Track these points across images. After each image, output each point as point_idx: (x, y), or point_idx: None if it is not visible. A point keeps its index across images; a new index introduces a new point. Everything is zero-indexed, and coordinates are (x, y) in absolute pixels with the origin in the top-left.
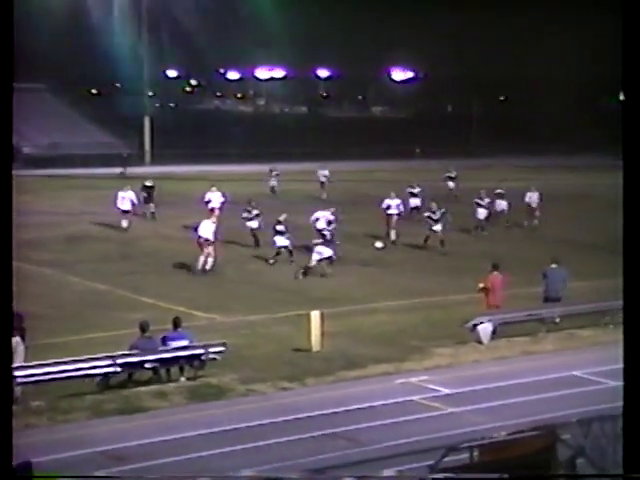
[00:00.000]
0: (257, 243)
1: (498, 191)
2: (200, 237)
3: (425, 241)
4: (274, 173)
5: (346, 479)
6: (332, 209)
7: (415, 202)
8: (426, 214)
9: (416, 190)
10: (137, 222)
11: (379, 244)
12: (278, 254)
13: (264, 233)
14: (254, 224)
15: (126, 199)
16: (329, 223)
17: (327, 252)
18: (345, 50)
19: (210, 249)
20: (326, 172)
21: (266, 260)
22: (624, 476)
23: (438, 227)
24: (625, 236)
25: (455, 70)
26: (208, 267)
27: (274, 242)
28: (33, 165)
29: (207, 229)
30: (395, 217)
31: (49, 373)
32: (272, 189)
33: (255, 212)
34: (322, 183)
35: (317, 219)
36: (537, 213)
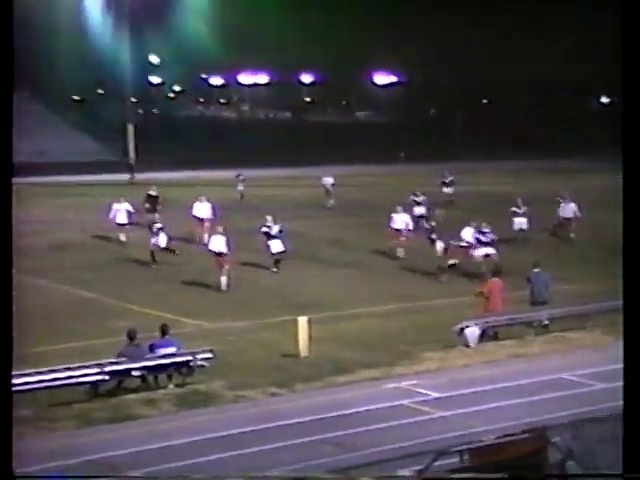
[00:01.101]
0: (153, 259)
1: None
2: (214, 253)
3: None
4: (241, 178)
5: None
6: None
7: (420, 210)
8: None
9: (420, 198)
10: (130, 231)
11: (452, 261)
12: (278, 261)
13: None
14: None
15: (121, 211)
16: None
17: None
18: (328, 55)
19: (227, 263)
20: (331, 179)
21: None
22: (624, 476)
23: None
24: (625, 238)
25: (438, 74)
26: (224, 285)
27: (268, 247)
28: (19, 173)
29: (218, 243)
30: (404, 233)
31: (38, 382)
32: (240, 195)
33: (157, 226)
34: (327, 190)
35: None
36: (574, 225)
